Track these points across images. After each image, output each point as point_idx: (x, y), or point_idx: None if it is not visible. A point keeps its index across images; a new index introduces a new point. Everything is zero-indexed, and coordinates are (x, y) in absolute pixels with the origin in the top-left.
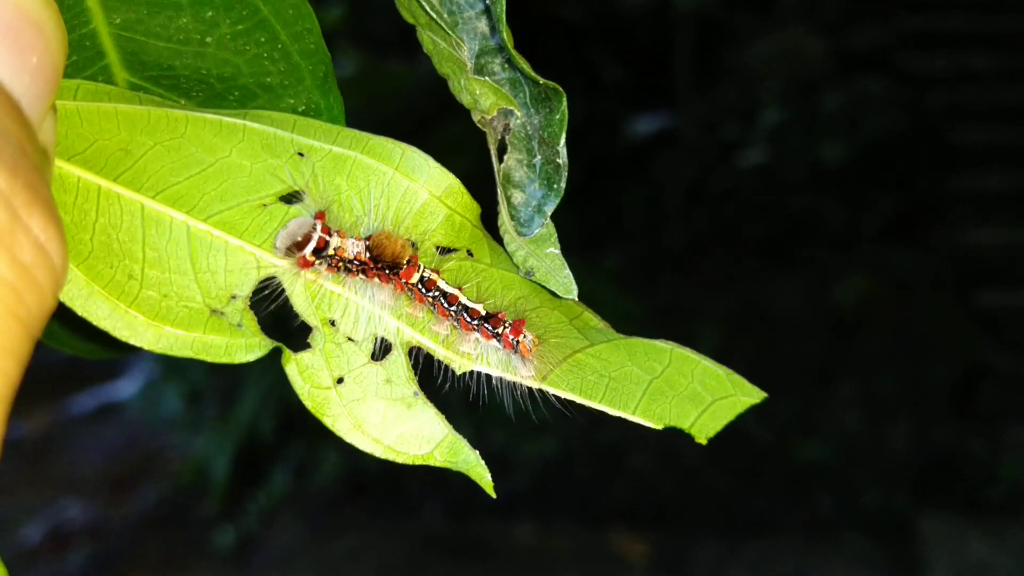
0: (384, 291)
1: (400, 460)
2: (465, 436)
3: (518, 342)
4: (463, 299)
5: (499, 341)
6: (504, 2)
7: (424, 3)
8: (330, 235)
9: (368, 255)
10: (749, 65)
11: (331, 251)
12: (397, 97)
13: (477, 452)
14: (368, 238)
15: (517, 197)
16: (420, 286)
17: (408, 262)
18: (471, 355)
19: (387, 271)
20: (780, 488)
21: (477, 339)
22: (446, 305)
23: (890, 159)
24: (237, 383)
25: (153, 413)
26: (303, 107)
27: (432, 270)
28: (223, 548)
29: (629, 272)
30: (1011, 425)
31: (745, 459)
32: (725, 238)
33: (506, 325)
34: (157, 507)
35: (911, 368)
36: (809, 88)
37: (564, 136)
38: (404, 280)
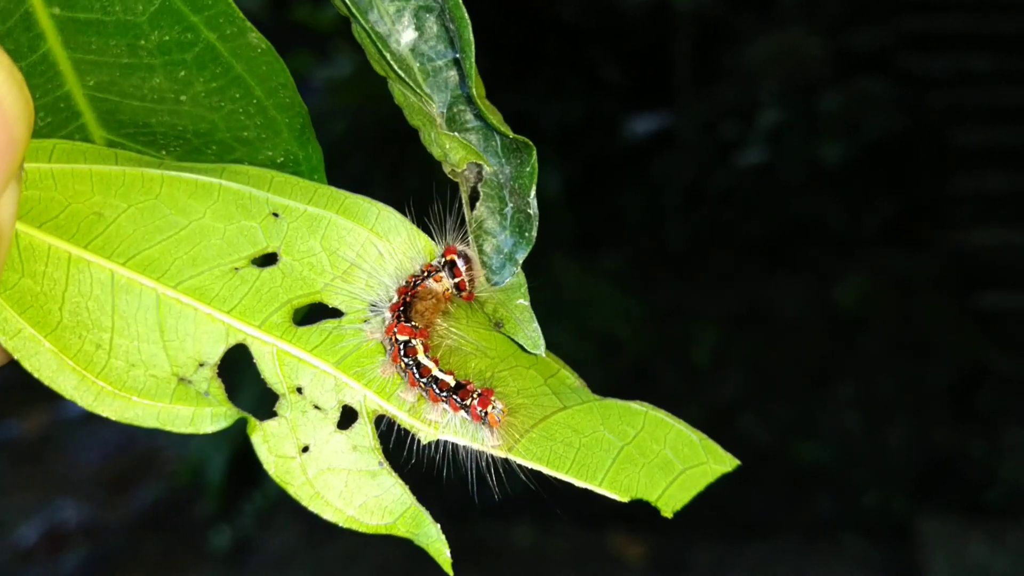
0: (380, 321)
1: (363, 530)
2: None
3: (486, 413)
4: (435, 371)
5: (467, 412)
6: (473, 59)
7: (392, 63)
8: (455, 275)
9: (411, 290)
10: (748, 65)
11: (428, 275)
12: (393, 98)
13: (439, 525)
14: (418, 286)
15: (489, 244)
16: (401, 347)
17: (413, 324)
18: (438, 423)
19: (399, 310)
20: (779, 489)
21: (445, 409)
22: (417, 376)
23: (890, 160)
24: (234, 384)
25: None
26: (282, 158)
27: (423, 342)
28: (219, 549)
29: (628, 272)
30: (1011, 427)
31: (744, 460)
32: (724, 238)
33: (474, 396)
34: (153, 508)
35: (910, 369)
36: (808, 89)
37: (534, 188)
38: (395, 331)
